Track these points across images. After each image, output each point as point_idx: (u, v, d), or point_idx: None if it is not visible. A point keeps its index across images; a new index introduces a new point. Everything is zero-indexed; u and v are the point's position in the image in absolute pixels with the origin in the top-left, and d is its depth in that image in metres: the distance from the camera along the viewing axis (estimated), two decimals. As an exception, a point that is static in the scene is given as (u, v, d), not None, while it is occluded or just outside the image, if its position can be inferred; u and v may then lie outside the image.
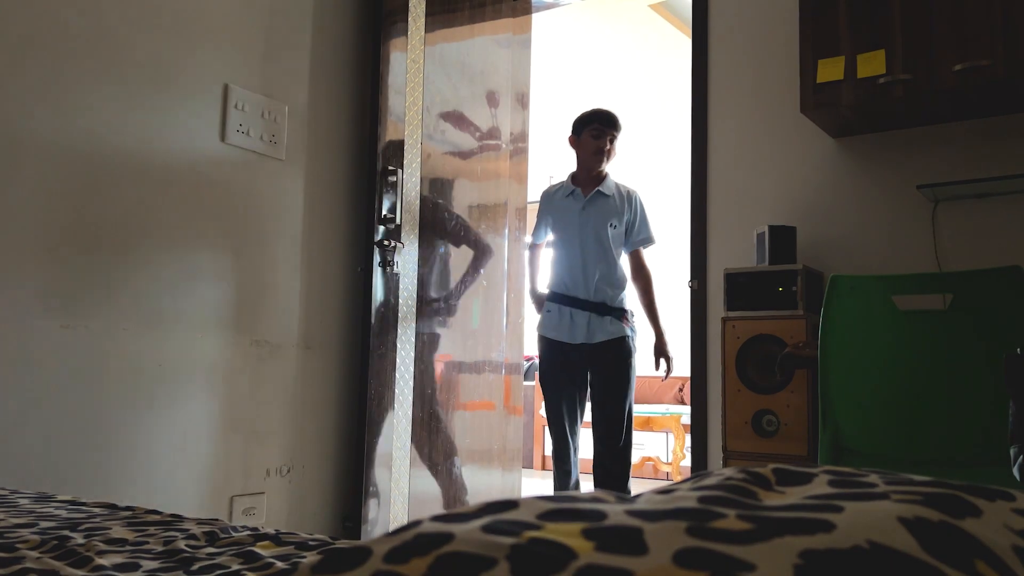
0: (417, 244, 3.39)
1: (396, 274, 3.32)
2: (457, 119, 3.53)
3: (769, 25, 2.90)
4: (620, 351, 3.04)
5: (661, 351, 3.19)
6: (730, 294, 2.58)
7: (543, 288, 3.28)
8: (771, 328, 2.48)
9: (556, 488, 3.12)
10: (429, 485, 3.37)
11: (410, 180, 3.39)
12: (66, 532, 1.18)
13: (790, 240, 2.61)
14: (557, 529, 0.44)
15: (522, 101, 3.71)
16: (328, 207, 3.28)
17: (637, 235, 3.16)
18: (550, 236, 3.27)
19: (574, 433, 3.11)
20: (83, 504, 1.48)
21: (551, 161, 7.84)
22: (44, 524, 1.25)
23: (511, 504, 0.49)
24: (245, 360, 2.92)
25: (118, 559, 1.04)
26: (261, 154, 3.01)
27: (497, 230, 3.61)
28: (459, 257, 3.53)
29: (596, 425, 3.07)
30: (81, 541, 1.11)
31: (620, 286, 3.12)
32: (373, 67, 3.41)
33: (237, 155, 2.93)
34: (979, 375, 1.90)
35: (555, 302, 3.14)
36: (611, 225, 3.10)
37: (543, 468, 6.45)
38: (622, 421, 3.03)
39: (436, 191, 3.47)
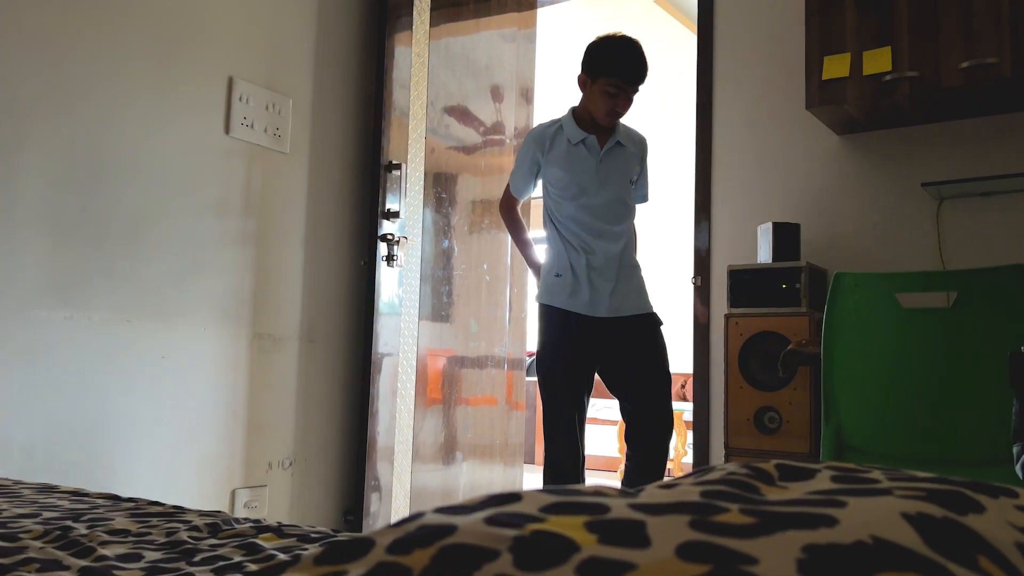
0: (421, 238, 3.39)
1: (400, 268, 3.32)
2: (461, 114, 3.52)
3: (775, 21, 2.89)
4: (655, 328, 2.54)
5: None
6: (733, 291, 2.58)
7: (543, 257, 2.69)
8: (774, 325, 2.48)
9: None
10: (431, 479, 3.38)
11: (414, 174, 3.39)
12: (69, 523, 1.18)
13: (794, 237, 2.61)
14: (560, 522, 0.44)
15: (526, 96, 3.71)
16: (332, 201, 3.28)
17: (639, 190, 2.68)
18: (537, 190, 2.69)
19: (582, 439, 2.54)
20: (86, 495, 1.49)
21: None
22: (47, 514, 1.26)
23: (514, 497, 0.49)
24: (248, 353, 2.92)
25: (121, 550, 1.04)
26: (265, 147, 3.01)
27: (500, 225, 3.61)
28: (463, 252, 3.53)
29: (631, 421, 2.51)
30: (84, 532, 1.11)
31: (635, 244, 2.67)
32: (378, 61, 3.41)
33: (241, 148, 2.93)
34: (982, 373, 1.90)
35: (570, 267, 2.54)
36: (631, 181, 2.61)
37: (545, 463, 6.45)
38: (670, 397, 2.53)
39: (440, 186, 3.47)
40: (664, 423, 2.50)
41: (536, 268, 2.69)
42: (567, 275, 2.53)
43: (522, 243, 2.76)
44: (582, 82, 2.53)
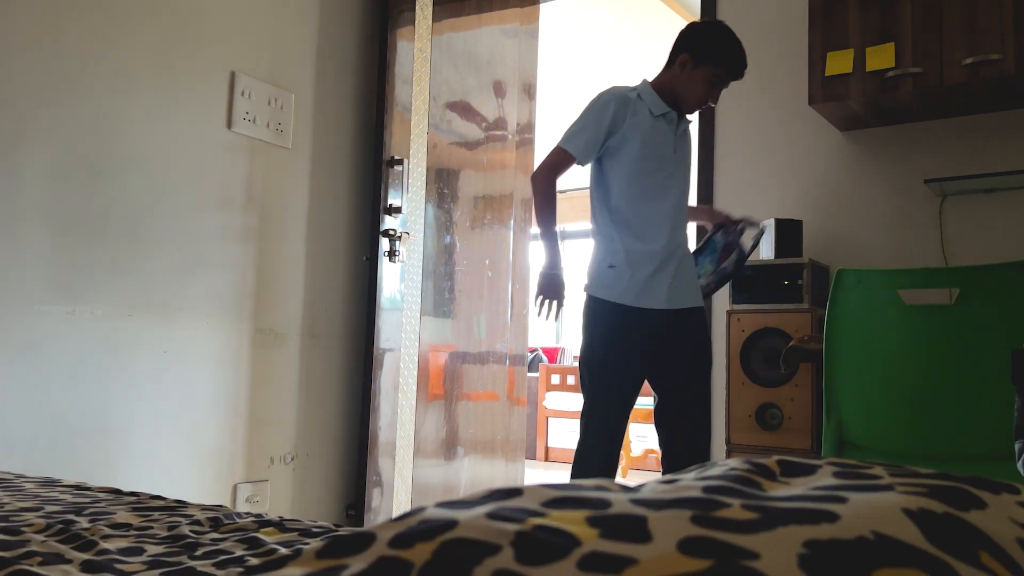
0: (423, 234, 3.39)
1: (402, 264, 3.32)
2: (463, 109, 3.52)
3: (778, 17, 2.89)
4: (704, 324, 2.43)
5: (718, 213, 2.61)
6: (735, 287, 2.58)
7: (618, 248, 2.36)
8: (776, 321, 2.48)
9: None
10: (432, 474, 3.38)
11: (416, 170, 3.39)
12: (71, 516, 1.18)
13: (796, 233, 2.60)
14: (561, 516, 0.44)
15: (529, 92, 3.71)
16: (334, 196, 3.28)
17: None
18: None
19: (621, 440, 2.36)
20: (88, 489, 1.49)
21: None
22: (50, 508, 1.26)
23: (515, 492, 0.50)
24: (250, 348, 2.93)
25: (123, 543, 1.04)
26: (267, 142, 3.01)
27: (503, 221, 3.60)
28: (465, 247, 3.53)
29: (673, 421, 2.36)
30: (86, 525, 1.12)
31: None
32: (380, 56, 3.40)
33: (243, 143, 2.93)
34: (985, 370, 1.90)
35: (625, 256, 2.31)
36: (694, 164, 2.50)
37: (546, 459, 6.46)
38: (710, 417, 2.45)
39: (442, 181, 3.47)
40: (703, 440, 2.39)
41: (551, 264, 2.33)
42: (622, 266, 2.30)
43: (548, 223, 2.36)
44: (683, 62, 2.32)
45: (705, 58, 2.30)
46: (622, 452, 2.41)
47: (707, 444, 2.42)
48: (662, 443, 2.38)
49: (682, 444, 2.34)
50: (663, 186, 2.33)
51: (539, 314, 2.34)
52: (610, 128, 2.30)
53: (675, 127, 2.36)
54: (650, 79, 2.43)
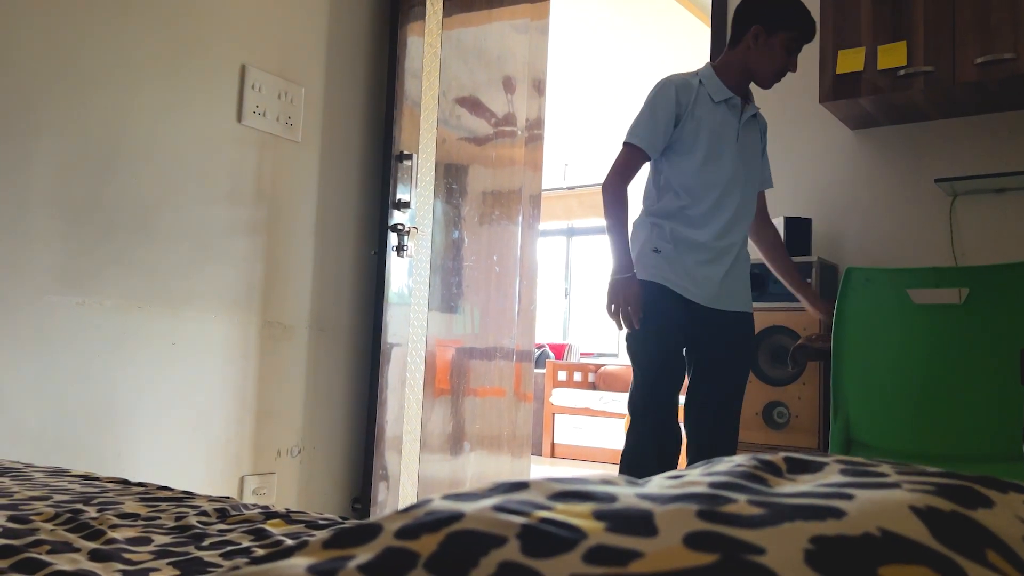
0: (431, 229, 3.40)
1: (410, 258, 3.32)
2: (473, 104, 3.52)
3: (789, 14, 2.87)
4: (750, 331, 2.34)
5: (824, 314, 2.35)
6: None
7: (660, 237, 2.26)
8: (784, 320, 2.47)
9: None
10: (439, 469, 3.39)
11: (425, 165, 3.39)
12: (80, 506, 1.19)
13: (805, 232, 2.60)
14: (567, 509, 0.44)
15: (538, 88, 3.70)
16: (343, 190, 3.28)
17: (766, 172, 2.42)
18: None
19: (675, 428, 2.25)
20: (96, 479, 1.50)
21: (567, 149, 7.83)
22: (58, 498, 1.27)
23: (522, 485, 0.50)
24: (258, 341, 2.94)
25: (131, 533, 1.05)
26: (277, 136, 3.01)
27: (511, 217, 3.61)
28: (473, 243, 3.53)
29: (702, 415, 2.28)
30: (94, 515, 1.12)
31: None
32: (390, 51, 3.41)
33: (253, 136, 2.93)
34: (993, 370, 1.89)
35: (675, 241, 2.22)
36: (763, 154, 2.36)
37: (552, 456, 6.47)
38: (737, 426, 2.32)
39: (451, 176, 3.47)
40: (730, 439, 2.28)
41: (621, 266, 2.19)
42: (669, 252, 2.21)
43: (617, 226, 2.22)
44: (755, 34, 2.21)
45: (780, 25, 2.20)
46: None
47: (734, 444, 2.29)
48: (689, 436, 2.29)
49: (709, 436, 2.24)
50: (724, 176, 2.21)
51: (618, 326, 2.22)
52: (670, 117, 2.21)
53: (739, 113, 2.25)
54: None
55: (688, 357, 2.27)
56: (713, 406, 2.26)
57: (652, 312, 2.18)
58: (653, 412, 2.18)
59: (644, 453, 2.16)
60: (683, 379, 2.25)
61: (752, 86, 2.32)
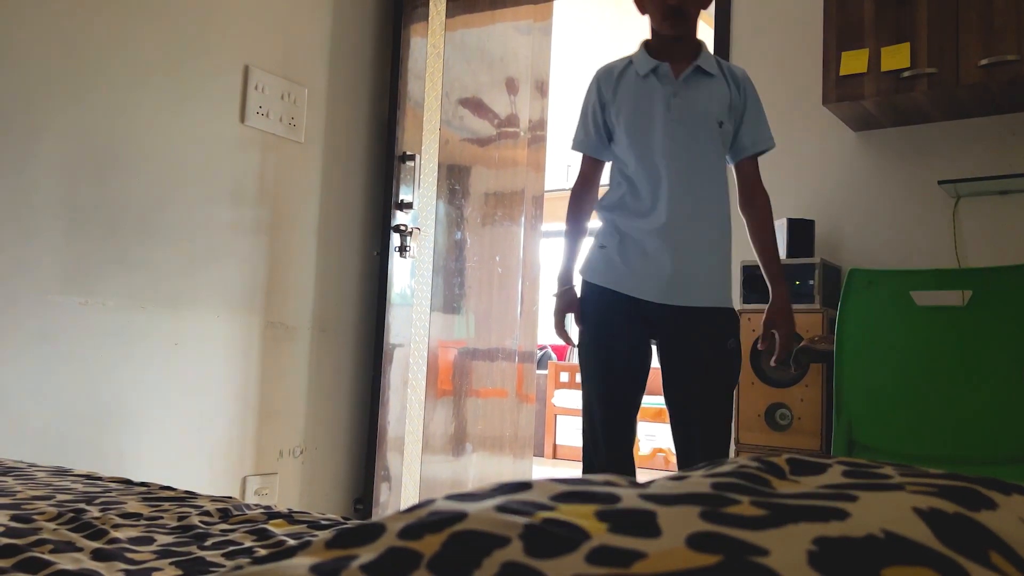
0: (433, 230, 3.40)
1: (412, 259, 3.33)
2: (476, 105, 3.52)
3: (793, 16, 2.87)
4: (723, 331, 1.98)
5: (777, 319, 2.04)
6: (746, 286, 2.57)
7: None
8: (787, 321, 2.46)
9: None
10: (440, 470, 3.39)
11: (428, 166, 3.39)
12: (82, 505, 1.19)
13: (808, 233, 2.59)
14: (570, 510, 0.44)
15: (541, 89, 3.70)
16: (346, 191, 3.28)
17: (751, 136, 2.05)
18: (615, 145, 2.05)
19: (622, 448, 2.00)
20: (99, 479, 1.50)
21: (570, 150, 7.82)
22: (61, 497, 1.27)
23: (525, 485, 0.50)
24: (260, 341, 2.94)
25: (133, 533, 1.05)
26: (280, 136, 3.02)
27: (513, 218, 3.61)
28: (475, 244, 3.53)
29: (681, 439, 1.99)
30: (97, 514, 1.13)
31: (727, 218, 2.04)
32: (393, 52, 3.41)
33: (256, 137, 2.94)
34: (996, 373, 1.89)
35: (619, 234, 2.01)
36: (718, 122, 1.99)
37: (554, 457, 6.46)
38: (721, 422, 1.98)
39: (454, 177, 3.47)
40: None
41: (561, 278, 2.08)
42: (613, 247, 2.00)
43: (568, 234, 2.12)
44: (638, 1, 2.05)
45: None
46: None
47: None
48: (676, 450, 2.06)
49: (693, 454, 1.95)
50: (656, 152, 1.96)
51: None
52: (594, 113, 2.07)
53: (671, 79, 1.98)
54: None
55: (663, 372, 2.03)
56: (685, 419, 1.97)
57: (588, 323, 2.03)
58: (590, 450, 2.00)
59: (590, 467, 2.02)
60: (633, 389, 2.00)
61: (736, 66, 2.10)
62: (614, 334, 1.99)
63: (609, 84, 2.06)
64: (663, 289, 1.94)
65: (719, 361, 1.97)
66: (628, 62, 2.08)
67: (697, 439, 1.95)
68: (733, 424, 2.54)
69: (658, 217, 1.95)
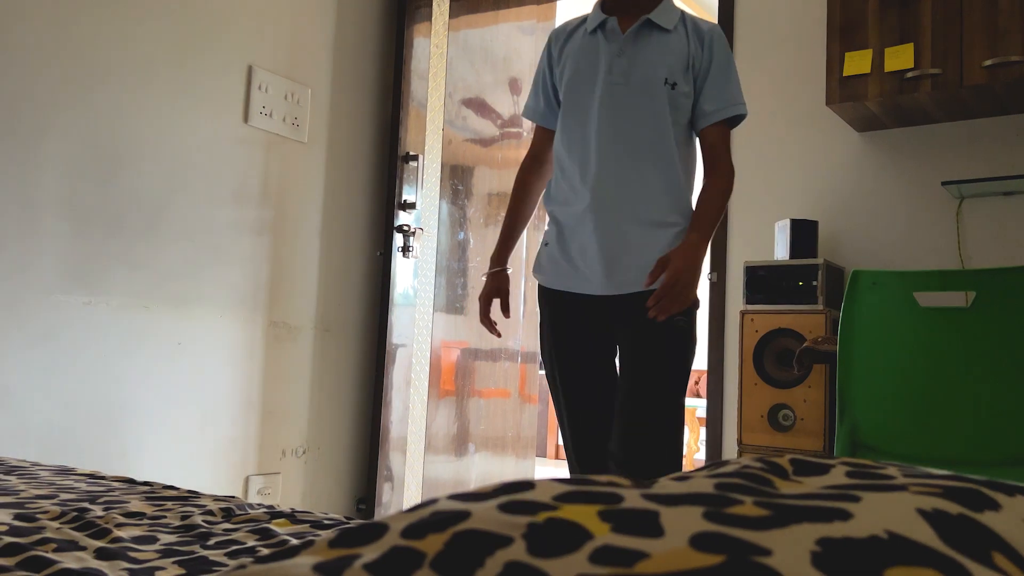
0: (436, 230, 3.40)
1: (415, 259, 3.33)
2: (479, 106, 3.52)
3: (796, 16, 2.87)
4: (670, 320, 1.73)
5: (673, 255, 1.69)
6: (749, 287, 2.57)
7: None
8: (790, 322, 2.47)
9: None
10: (443, 470, 3.39)
11: (431, 166, 3.39)
12: (86, 504, 1.19)
13: (812, 234, 2.59)
14: (573, 510, 0.44)
15: (545, 89, 3.70)
16: (349, 191, 3.29)
17: (713, 100, 1.78)
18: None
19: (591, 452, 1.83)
20: (102, 478, 1.50)
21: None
22: (64, 496, 1.27)
23: (527, 485, 0.50)
24: (263, 341, 2.94)
25: (136, 532, 1.05)
26: (283, 136, 3.02)
27: (516, 218, 3.60)
28: (478, 244, 3.53)
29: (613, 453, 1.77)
30: (100, 513, 1.13)
31: (680, 196, 1.78)
32: (396, 52, 3.41)
33: (260, 137, 2.94)
34: (1000, 374, 1.88)
35: (556, 225, 1.83)
36: (668, 83, 1.72)
37: (556, 457, 6.46)
38: (655, 418, 1.73)
39: (457, 178, 3.47)
40: (628, 457, 1.73)
41: (493, 260, 1.94)
42: (553, 241, 1.83)
43: (506, 217, 1.96)
44: None
45: None
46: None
47: (653, 463, 1.71)
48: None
49: (623, 454, 1.72)
50: (591, 121, 1.72)
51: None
52: (549, 68, 1.86)
53: (616, 37, 1.74)
54: None
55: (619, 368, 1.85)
56: (618, 445, 1.74)
57: (543, 332, 1.88)
58: (571, 461, 1.86)
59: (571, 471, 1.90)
60: (595, 404, 1.82)
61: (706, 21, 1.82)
62: (569, 348, 1.82)
63: (559, 44, 1.85)
64: (601, 280, 1.75)
65: (662, 336, 1.72)
66: (583, 19, 1.87)
67: (635, 446, 1.71)
68: (736, 425, 2.54)
69: (582, 198, 1.74)
